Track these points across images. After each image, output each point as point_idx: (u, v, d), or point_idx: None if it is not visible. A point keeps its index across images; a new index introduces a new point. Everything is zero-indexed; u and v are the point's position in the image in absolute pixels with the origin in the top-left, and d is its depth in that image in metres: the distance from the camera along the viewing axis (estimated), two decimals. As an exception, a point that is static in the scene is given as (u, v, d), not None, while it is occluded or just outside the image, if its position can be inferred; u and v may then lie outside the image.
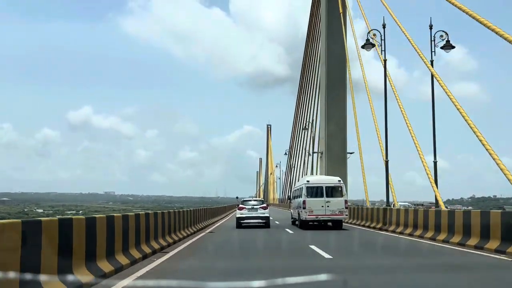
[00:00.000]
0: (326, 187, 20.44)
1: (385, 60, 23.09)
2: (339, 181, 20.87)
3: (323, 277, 7.35)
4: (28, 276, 5.03)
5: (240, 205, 22.91)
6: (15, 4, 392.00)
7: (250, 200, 23.76)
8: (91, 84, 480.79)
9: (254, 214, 22.25)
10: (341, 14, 38.66)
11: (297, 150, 66.98)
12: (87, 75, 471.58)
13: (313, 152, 46.86)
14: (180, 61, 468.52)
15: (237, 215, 22.59)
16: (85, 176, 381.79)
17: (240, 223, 22.31)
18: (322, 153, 41.34)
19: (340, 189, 20.42)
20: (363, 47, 23.37)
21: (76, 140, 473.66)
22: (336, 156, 39.97)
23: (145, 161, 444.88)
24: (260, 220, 22.19)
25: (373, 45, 23.00)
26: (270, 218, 23.33)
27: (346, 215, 20.58)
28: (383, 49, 22.75)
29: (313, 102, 52.01)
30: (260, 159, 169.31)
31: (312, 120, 49.42)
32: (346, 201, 20.49)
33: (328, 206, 20.04)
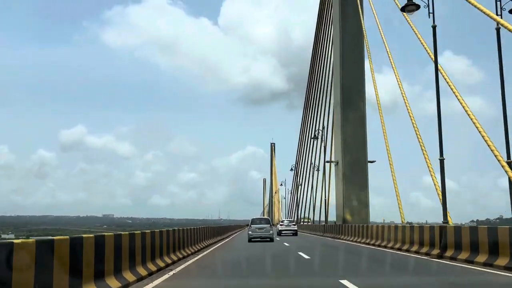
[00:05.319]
0: None
1: (434, 27, 17.46)
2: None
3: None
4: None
5: (280, 223, 39.84)
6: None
7: (284, 220, 40.58)
8: (80, 102, 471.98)
9: (286, 228, 36.90)
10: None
11: (305, 165, 61.31)
12: (73, 93, 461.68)
13: (326, 162, 41.18)
14: (170, 75, 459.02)
15: (278, 228, 37.76)
16: (84, 199, 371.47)
17: (280, 233, 36.26)
18: (337, 163, 35.51)
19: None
20: (403, 9, 17.79)
21: (72, 161, 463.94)
22: (355, 165, 34.21)
23: (144, 182, 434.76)
24: (290, 232, 36.34)
25: (418, 7, 17.45)
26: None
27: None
28: (431, 11, 17.19)
29: (323, 108, 46.40)
30: (264, 180, 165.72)
31: (323, 127, 43.71)
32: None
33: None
